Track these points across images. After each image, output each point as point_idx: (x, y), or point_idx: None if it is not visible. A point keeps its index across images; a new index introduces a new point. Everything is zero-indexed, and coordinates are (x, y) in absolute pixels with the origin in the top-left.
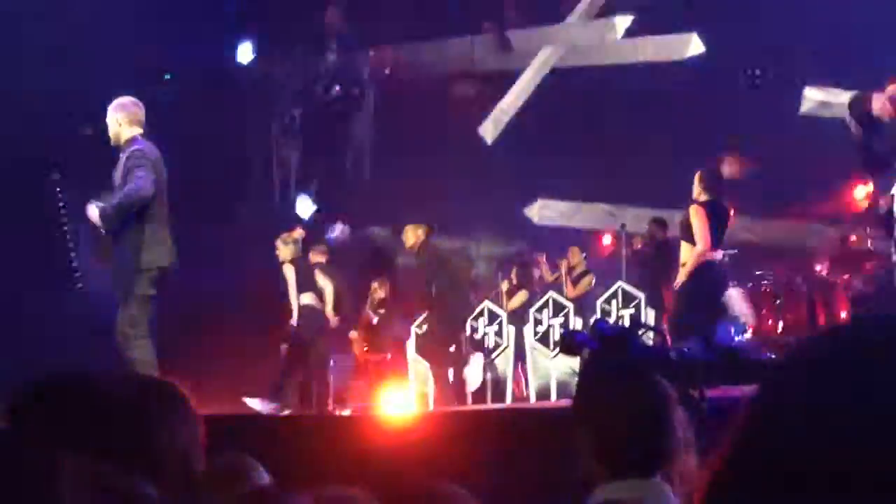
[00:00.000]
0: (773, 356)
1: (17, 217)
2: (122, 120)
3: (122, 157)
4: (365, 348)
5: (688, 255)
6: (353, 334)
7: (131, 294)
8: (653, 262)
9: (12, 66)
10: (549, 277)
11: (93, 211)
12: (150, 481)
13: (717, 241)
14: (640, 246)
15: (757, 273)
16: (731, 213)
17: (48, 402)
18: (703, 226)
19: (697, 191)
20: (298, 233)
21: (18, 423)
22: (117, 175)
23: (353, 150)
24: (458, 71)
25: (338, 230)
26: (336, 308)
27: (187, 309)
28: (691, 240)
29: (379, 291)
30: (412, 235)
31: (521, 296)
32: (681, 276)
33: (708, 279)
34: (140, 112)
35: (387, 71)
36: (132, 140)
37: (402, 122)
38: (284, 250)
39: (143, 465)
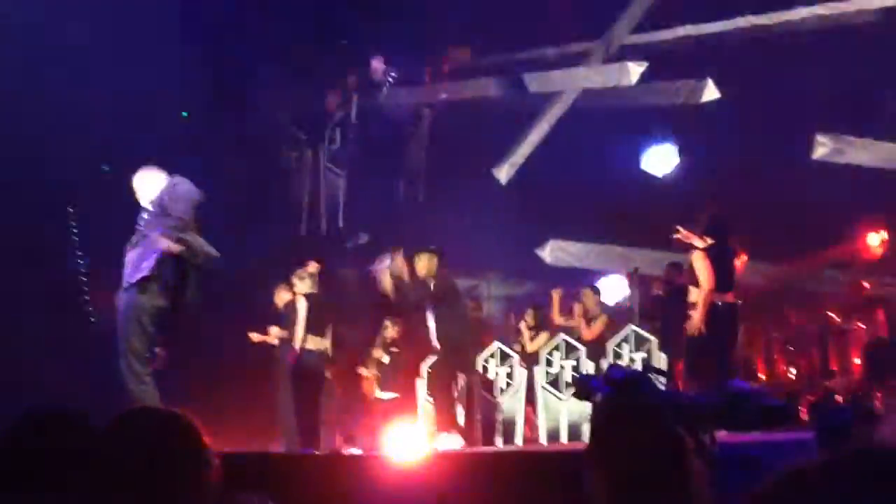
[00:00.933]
0: (784, 403)
1: (28, 253)
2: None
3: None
4: (376, 388)
5: (696, 299)
6: (364, 372)
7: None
8: (670, 306)
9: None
10: (558, 319)
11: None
12: None
13: (725, 284)
14: (657, 291)
15: (768, 315)
16: (743, 257)
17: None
18: (706, 268)
19: (700, 234)
20: (314, 266)
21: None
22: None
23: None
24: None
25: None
26: (335, 344)
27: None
28: (697, 283)
29: (391, 330)
30: (426, 263)
31: (543, 337)
32: (691, 321)
33: (718, 323)
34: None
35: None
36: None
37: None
38: (300, 285)
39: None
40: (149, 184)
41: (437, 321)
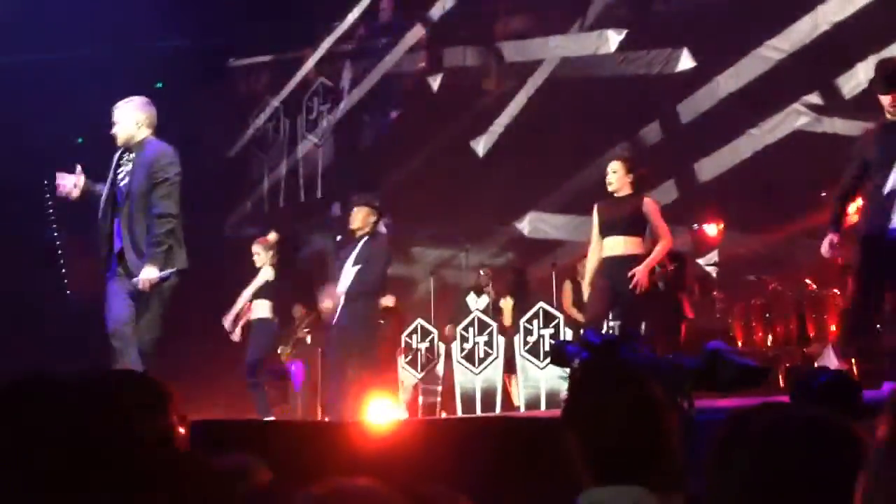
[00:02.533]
0: (761, 364)
1: (6, 226)
2: (143, 122)
3: (140, 158)
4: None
5: (632, 249)
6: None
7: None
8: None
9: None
10: (570, 310)
11: (150, 273)
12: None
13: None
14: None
15: (746, 283)
16: (720, 225)
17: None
18: (663, 219)
19: (629, 181)
20: (273, 236)
21: None
22: (134, 177)
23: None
24: (451, 81)
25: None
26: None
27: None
28: (636, 233)
29: (297, 309)
30: (362, 217)
31: (509, 304)
32: (643, 274)
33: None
34: (155, 113)
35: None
36: (146, 141)
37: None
38: (264, 255)
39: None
40: (129, 122)
41: (355, 279)
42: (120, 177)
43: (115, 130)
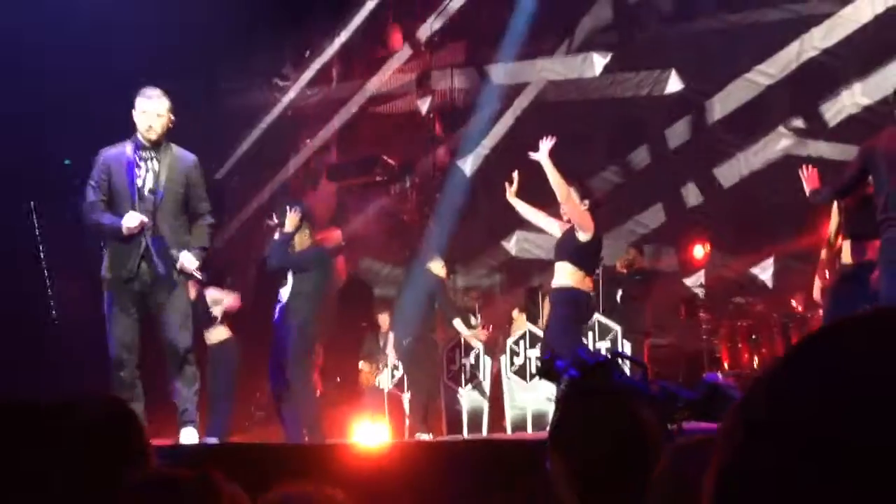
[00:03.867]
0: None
1: None
2: (173, 116)
3: (170, 158)
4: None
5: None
6: (364, 366)
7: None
8: (632, 288)
9: None
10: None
11: (192, 262)
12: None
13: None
14: (621, 269)
15: (733, 305)
16: (707, 247)
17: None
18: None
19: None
20: None
21: None
22: (165, 177)
23: None
24: (439, 102)
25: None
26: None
27: None
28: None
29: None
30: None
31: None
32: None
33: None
34: None
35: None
36: (169, 143)
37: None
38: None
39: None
40: (165, 116)
41: (291, 291)
42: (142, 176)
43: (153, 123)
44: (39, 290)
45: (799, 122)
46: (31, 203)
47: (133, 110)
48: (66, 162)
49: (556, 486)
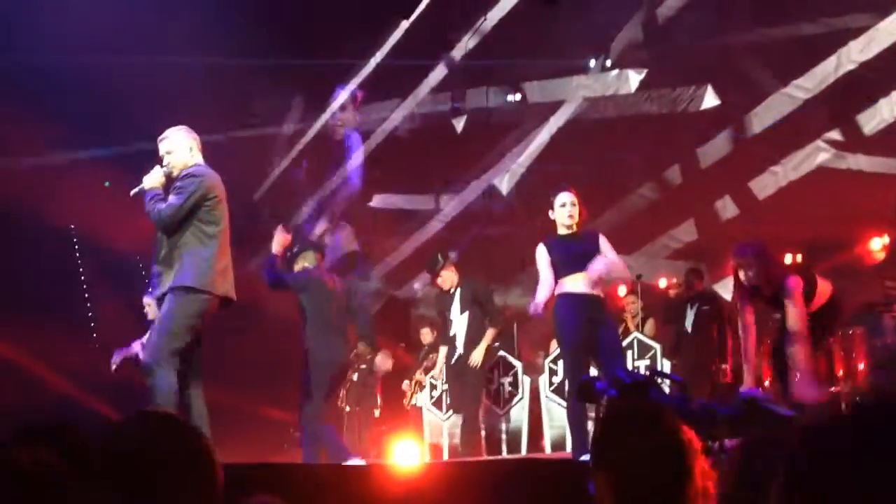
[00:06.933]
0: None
1: (36, 273)
2: (195, 146)
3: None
4: (414, 402)
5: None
6: (407, 385)
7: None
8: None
9: None
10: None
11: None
12: None
13: None
14: (674, 293)
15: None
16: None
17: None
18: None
19: None
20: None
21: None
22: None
23: None
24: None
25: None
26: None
27: None
28: None
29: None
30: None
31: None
32: None
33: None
34: (199, 139)
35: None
36: (193, 166)
37: (411, 168)
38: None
39: None
40: (183, 148)
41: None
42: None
43: (168, 161)
44: (82, 311)
45: (836, 135)
46: (72, 226)
47: None
48: (106, 184)
49: None
